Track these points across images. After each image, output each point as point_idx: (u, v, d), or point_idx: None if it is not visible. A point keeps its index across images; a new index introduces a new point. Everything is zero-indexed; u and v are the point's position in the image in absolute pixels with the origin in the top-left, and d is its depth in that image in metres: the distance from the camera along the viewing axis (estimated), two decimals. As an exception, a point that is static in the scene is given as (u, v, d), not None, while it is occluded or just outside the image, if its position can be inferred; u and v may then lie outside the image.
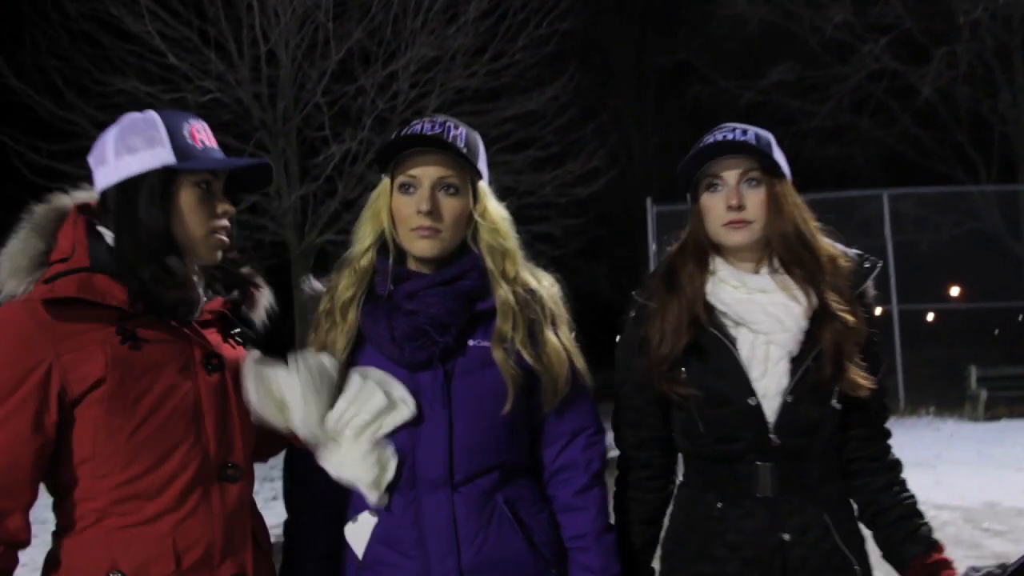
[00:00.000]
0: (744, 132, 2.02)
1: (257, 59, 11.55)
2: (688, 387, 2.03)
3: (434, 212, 1.89)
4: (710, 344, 2.03)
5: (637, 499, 2.16)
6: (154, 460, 1.75)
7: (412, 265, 1.97)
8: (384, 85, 11.97)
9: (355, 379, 1.89)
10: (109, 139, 1.86)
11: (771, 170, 2.01)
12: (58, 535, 1.78)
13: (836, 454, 2.08)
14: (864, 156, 17.98)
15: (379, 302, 1.95)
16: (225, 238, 1.90)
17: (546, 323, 1.98)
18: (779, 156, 2.03)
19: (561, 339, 1.99)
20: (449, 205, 1.92)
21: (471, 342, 1.94)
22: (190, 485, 1.78)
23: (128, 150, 1.83)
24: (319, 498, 1.97)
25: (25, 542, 1.72)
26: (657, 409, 2.11)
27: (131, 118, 1.88)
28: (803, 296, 1.99)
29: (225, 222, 1.90)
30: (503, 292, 1.94)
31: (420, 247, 1.92)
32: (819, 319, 1.98)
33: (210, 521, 1.80)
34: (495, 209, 2.00)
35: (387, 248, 1.97)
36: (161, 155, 1.82)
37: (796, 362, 1.98)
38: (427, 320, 1.89)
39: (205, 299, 1.90)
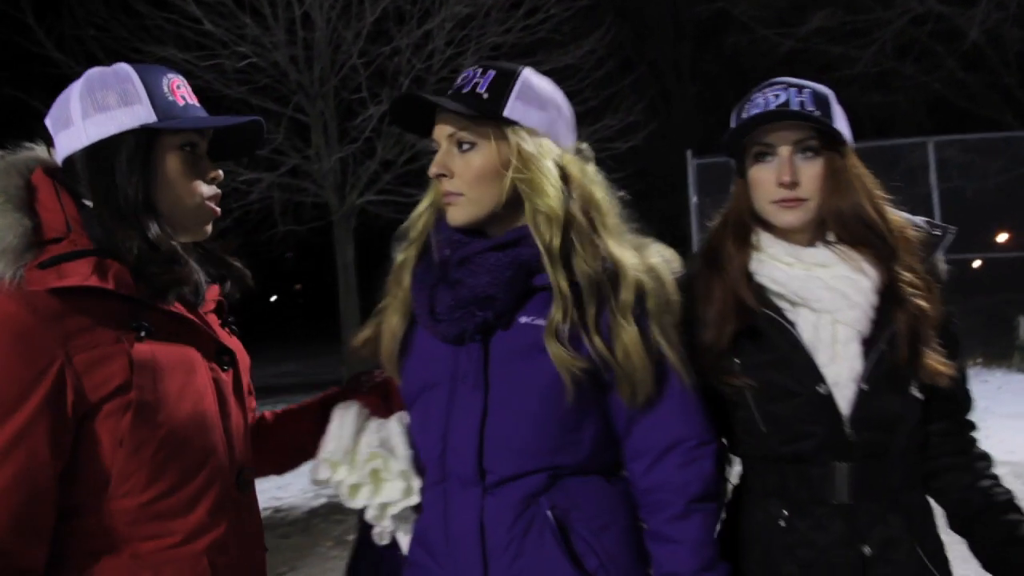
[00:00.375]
0: (800, 92, 1.75)
1: (292, 22, 11.52)
2: (743, 378, 1.77)
3: (447, 174, 1.67)
4: (766, 328, 1.78)
5: None
6: (182, 474, 1.54)
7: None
8: (419, 44, 11.90)
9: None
10: (73, 97, 1.58)
11: (831, 137, 1.75)
12: (61, 566, 1.49)
13: (918, 453, 1.82)
14: (908, 102, 17.61)
15: (432, 269, 1.73)
16: (217, 208, 1.66)
17: (621, 309, 1.64)
18: (840, 120, 1.77)
19: (650, 329, 1.66)
20: (463, 164, 1.67)
21: (523, 319, 1.66)
22: (220, 498, 1.60)
23: (98, 108, 1.55)
24: None
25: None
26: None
27: (98, 72, 1.61)
28: (870, 268, 1.75)
29: (216, 189, 1.66)
30: (550, 269, 1.64)
31: (449, 215, 1.70)
32: (890, 297, 1.74)
33: (241, 534, 1.64)
34: (533, 160, 1.66)
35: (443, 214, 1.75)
36: (139, 113, 1.55)
37: (869, 344, 1.73)
38: (469, 292, 1.65)
39: (206, 283, 1.68)
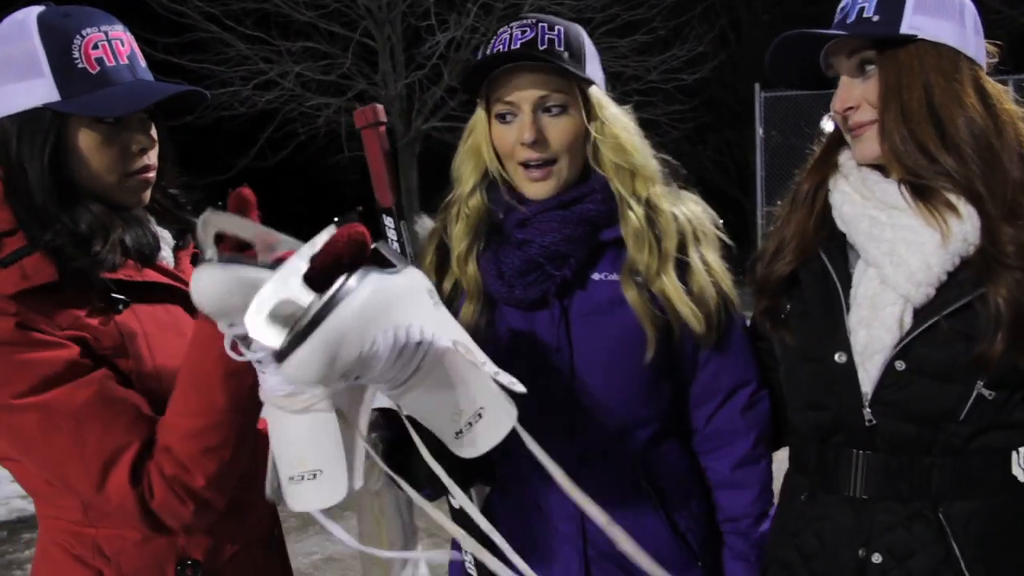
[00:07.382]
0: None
1: (362, -55, 11.51)
2: (779, 330, 1.55)
3: (540, 141, 1.57)
4: (814, 272, 1.52)
5: None
6: None
7: None
8: (488, -31, 11.81)
9: None
10: None
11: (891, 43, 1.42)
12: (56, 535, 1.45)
13: (991, 457, 1.41)
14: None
15: (492, 236, 1.65)
16: (150, 176, 1.47)
17: (691, 245, 1.62)
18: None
19: (708, 263, 1.62)
20: (557, 129, 1.58)
21: (596, 275, 1.61)
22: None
23: (3, 74, 1.36)
24: None
25: None
26: (765, 353, 1.68)
27: (8, 24, 1.39)
28: (955, 222, 1.37)
29: (146, 160, 1.45)
30: (635, 216, 1.59)
31: (535, 191, 1.61)
32: (983, 264, 1.36)
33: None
34: (615, 119, 1.62)
35: (495, 184, 1.66)
36: (38, 91, 1.35)
37: (921, 315, 1.39)
38: (540, 250, 1.58)
39: (172, 241, 1.56)
